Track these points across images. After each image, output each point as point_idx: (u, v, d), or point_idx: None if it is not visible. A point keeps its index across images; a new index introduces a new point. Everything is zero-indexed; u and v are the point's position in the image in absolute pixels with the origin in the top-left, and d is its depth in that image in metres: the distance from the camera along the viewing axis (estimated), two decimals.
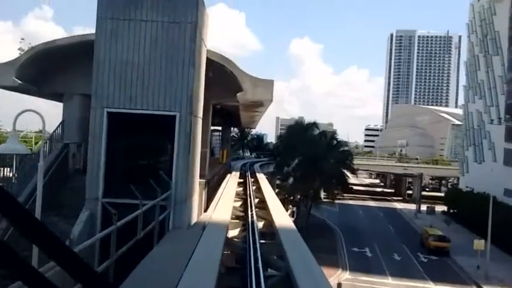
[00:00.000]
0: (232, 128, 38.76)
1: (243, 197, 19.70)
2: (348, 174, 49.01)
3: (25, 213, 1.17)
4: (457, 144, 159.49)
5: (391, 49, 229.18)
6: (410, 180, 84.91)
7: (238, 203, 17.47)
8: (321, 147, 43.88)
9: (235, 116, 36.57)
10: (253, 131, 76.76)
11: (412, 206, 72.19)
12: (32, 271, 1.13)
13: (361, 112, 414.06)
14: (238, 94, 18.71)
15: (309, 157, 42.04)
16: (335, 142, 48.20)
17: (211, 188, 22.09)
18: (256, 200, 18.26)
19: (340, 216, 57.92)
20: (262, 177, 32.57)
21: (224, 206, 14.81)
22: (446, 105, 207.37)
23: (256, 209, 15.50)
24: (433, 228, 47.39)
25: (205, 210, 15.60)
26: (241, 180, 29.42)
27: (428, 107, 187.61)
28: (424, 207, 65.76)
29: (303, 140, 43.96)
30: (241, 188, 23.15)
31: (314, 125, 48.11)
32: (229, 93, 19.96)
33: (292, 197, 49.41)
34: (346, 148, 51.80)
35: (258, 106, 25.54)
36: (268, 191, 21.56)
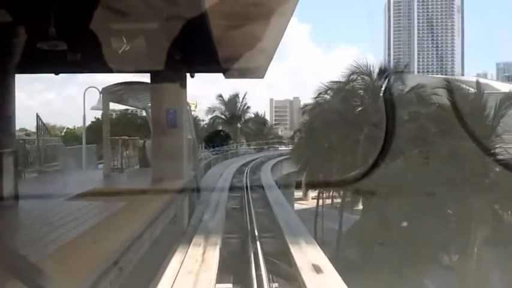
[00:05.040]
0: (189, 75, 10.40)
1: None
2: None
3: None
4: None
5: (389, 17, 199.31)
6: None
7: None
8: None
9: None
10: (250, 110, 47.23)
11: None
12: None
13: None
14: None
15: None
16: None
17: None
18: None
19: None
20: None
21: None
22: (452, 74, 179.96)
23: None
24: None
25: None
26: None
27: (440, 76, 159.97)
28: None
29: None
30: None
31: (399, 73, 19.89)
32: None
33: None
34: None
35: None
36: None
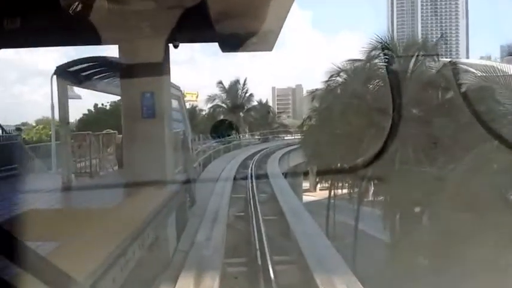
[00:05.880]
0: (173, 45, 7.65)
1: None
2: None
3: None
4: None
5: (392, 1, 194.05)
6: None
7: None
8: None
9: None
10: (254, 98, 43.87)
11: None
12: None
13: None
14: None
15: None
16: None
17: None
18: None
19: None
20: None
21: None
22: (457, 57, 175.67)
23: None
24: None
25: None
26: None
27: (444, 59, 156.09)
28: None
29: None
30: None
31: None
32: None
33: None
34: None
35: None
36: None
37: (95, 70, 9.34)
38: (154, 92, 7.53)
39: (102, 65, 9.04)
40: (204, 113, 43.26)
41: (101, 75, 9.79)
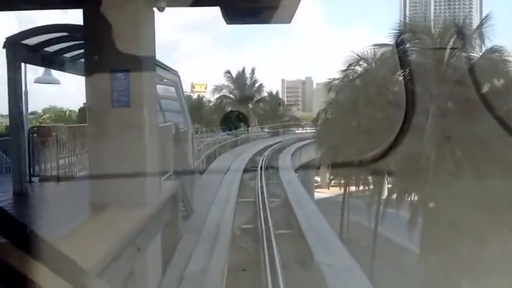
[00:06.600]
0: (157, 7, 5.64)
1: None
2: None
3: None
4: None
5: None
6: None
7: None
8: None
9: None
10: (264, 89, 41.43)
11: None
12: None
13: None
14: None
15: None
16: None
17: None
18: None
19: None
20: None
21: None
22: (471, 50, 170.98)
23: None
24: None
25: None
26: None
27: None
28: None
29: None
30: None
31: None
32: None
33: None
34: None
35: None
36: None
37: (67, 45, 7.23)
38: (129, 71, 5.41)
39: (76, 37, 6.89)
40: (210, 104, 41.00)
41: (77, 52, 7.69)
